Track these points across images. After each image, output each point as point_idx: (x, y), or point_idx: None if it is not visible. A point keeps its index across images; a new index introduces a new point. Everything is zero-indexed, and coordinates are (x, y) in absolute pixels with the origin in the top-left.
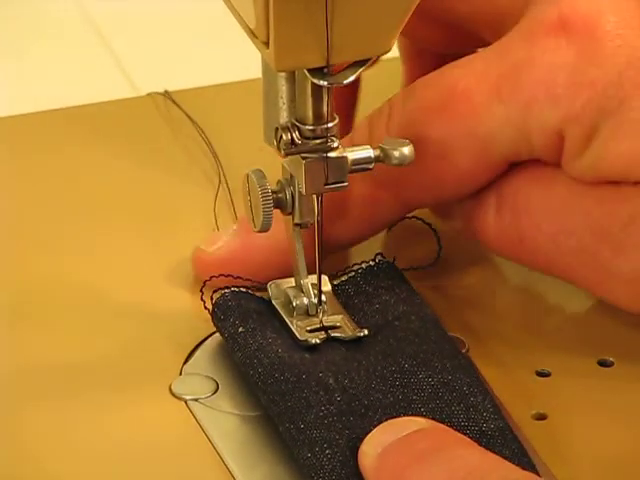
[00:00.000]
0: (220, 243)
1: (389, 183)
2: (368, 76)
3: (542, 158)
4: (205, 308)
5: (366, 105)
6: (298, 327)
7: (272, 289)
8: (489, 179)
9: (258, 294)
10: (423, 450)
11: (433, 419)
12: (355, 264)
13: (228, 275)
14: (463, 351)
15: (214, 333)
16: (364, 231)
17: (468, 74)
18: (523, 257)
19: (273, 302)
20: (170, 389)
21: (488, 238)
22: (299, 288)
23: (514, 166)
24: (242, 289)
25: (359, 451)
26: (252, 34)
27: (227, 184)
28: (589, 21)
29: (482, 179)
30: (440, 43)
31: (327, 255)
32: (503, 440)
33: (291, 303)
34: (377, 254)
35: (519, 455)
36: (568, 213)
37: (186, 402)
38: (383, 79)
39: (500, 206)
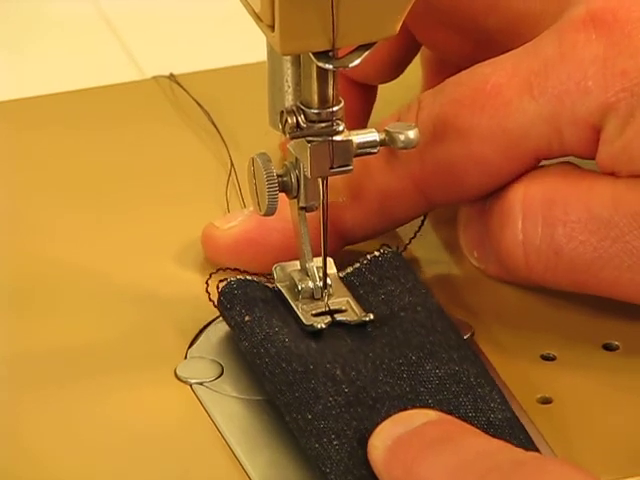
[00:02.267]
0: (234, 222)
1: (415, 177)
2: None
3: (573, 153)
4: (210, 300)
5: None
6: (303, 311)
7: (277, 272)
8: (516, 175)
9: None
10: (432, 441)
11: (441, 410)
12: (360, 257)
13: (235, 269)
14: (469, 334)
15: (219, 317)
16: (382, 224)
17: (499, 70)
18: (558, 274)
19: (278, 285)
20: (175, 373)
21: (518, 260)
22: (304, 271)
23: (541, 175)
24: (247, 277)
25: (368, 444)
26: (257, 17)
27: (234, 168)
28: (617, 14)
29: (509, 175)
30: (463, 54)
31: (342, 249)
32: (511, 430)
33: (296, 287)
34: (382, 245)
35: (526, 445)
36: (612, 216)
37: (191, 386)
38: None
39: (528, 220)
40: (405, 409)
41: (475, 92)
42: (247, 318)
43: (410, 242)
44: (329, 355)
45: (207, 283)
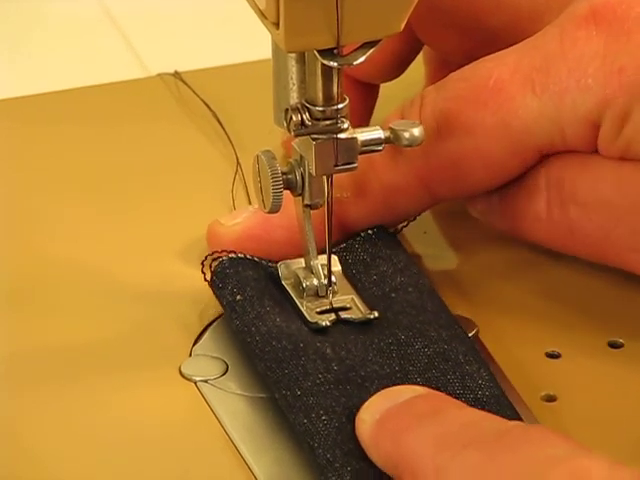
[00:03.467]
0: (239, 219)
1: (419, 172)
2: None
3: (576, 148)
4: (205, 280)
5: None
6: (308, 309)
7: (282, 270)
8: (520, 171)
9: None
10: (420, 414)
11: (429, 388)
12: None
13: (231, 251)
14: (474, 332)
15: (223, 314)
16: (386, 219)
17: (501, 66)
18: (575, 249)
19: (283, 283)
20: (180, 370)
21: (539, 233)
22: (309, 269)
23: (560, 158)
24: (240, 255)
25: (357, 418)
26: (262, 15)
27: (240, 165)
28: (617, 10)
29: (514, 170)
30: (466, 53)
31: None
32: (498, 407)
33: (301, 284)
34: (377, 225)
35: (513, 420)
36: (616, 199)
37: (195, 383)
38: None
39: (550, 199)
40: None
41: (478, 88)
42: (239, 297)
43: (407, 224)
44: (319, 335)
45: (202, 264)
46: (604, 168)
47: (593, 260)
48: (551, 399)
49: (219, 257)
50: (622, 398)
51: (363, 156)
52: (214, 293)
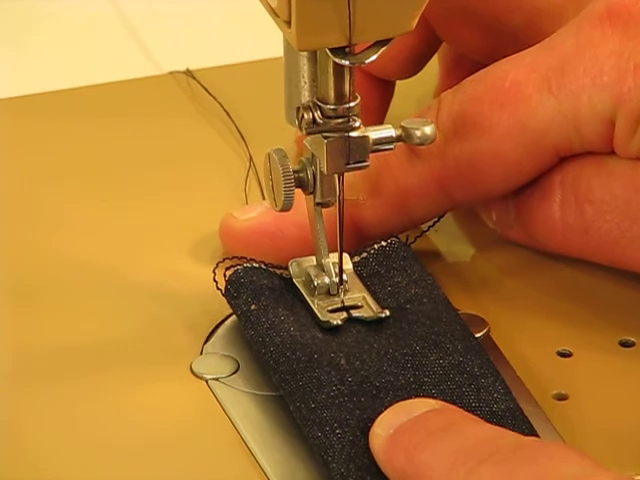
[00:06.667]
0: (253, 214)
1: (436, 174)
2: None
3: (594, 149)
4: (217, 288)
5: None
6: (319, 307)
7: (293, 268)
8: (536, 172)
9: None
10: (434, 429)
11: (444, 400)
12: (367, 245)
13: (242, 257)
14: (485, 331)
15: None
16: (401, 222)
17: (517, 67)
18: (589, 250)
19: (295, 281)
20: (191, 368)
21: (554, 235)
22: (320, 267)
23: (575, 158)
24: (255, 265)
25: (370, 432)
26: (274, 13)
27: (253, 162)
28: (633, 10)
29: (530, 172)
30: (485, 51)
31: (358, 242)
32: (513, 420)
33: (312, 282)
34: (391, 235)
35: (529, 435)
36: (631, 198)
37: (207, 381)
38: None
39: (565, 199)
40: (408, 399)
41: (494, 89)
42: (253, 307)
43: (422, 235)
44: (334, 345)
45: (214, 272)
46: (620, 167)
47: (608, 264)
48: (562, 398)
49: (232, 265)
50: (633, 397)
51: (378, 156)
52: (228, 302)
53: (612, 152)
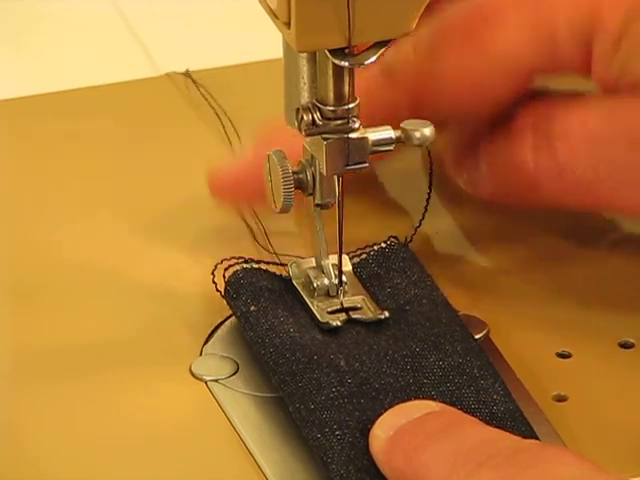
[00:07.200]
0: (236, 160)
1: (409, 89)
2: None
3: (568, 71)
4: (217, 290)
5: None
6: (319, 308)
7: (293, 269)
8: (510, 97)
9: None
10: (434, 431)
11: (443, 402)
12: (367, 246)
13: (240, 257)
14: (484, 332)
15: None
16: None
17: None
18: (564, 195)
19: (294, 282)
20: (190, 370)
21: (527, 183)
22: (320, 269)
23: (546, 97)
24: (254, 265)
25: (370, 434)
26: (273, 14)
27: None
28: None
29: (504, 93)
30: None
31: None
32: (513, 422)
33: (312, 284)
34: (390, 237)
35: (529, 437)
36: (602, 131)
37: (206, 383)
38: None
39: (537, 140)
40: (408, 400)
41: (469, 15)
42: (252, 308)
43: (415, 232)
44: (333, 346)
45: (213, 274)
46: (590, 102)
47: (585, 208)
48: (562, 399)
49: (231, 266)
50: (633, 398)
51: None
52: (228, 304)
53: (587, 73)
